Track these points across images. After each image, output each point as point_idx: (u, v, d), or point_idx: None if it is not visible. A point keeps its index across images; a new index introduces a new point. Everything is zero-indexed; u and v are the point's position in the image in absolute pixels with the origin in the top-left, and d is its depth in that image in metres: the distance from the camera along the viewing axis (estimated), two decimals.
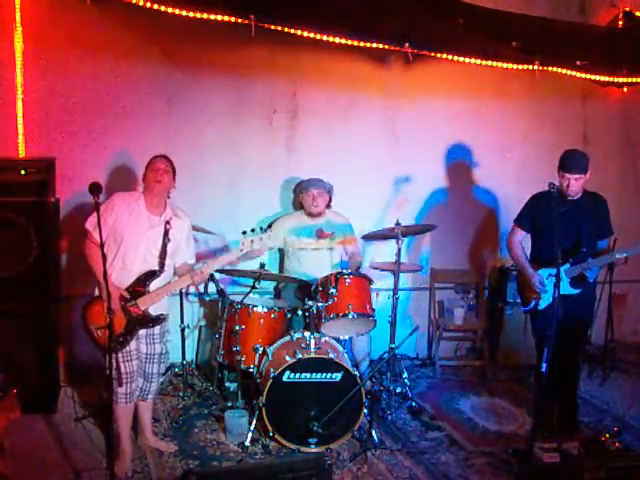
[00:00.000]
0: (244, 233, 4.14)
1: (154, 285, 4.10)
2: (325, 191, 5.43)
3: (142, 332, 4.13)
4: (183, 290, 5.30)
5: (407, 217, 5.91)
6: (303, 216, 5.51)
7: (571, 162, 4.43)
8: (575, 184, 4.43)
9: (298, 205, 5.68)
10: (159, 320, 4.14)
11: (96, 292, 4.11)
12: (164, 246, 4.10)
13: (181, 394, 5.21)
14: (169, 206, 4.20)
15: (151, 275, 4.08)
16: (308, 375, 4.43)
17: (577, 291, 4.53)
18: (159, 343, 4.24)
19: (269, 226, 4.29)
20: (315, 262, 5.40)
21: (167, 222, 4.12)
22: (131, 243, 4.05)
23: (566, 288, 4.48)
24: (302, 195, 5.47)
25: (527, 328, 5.18)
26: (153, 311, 4.11)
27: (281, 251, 5.75)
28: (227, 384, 5.25)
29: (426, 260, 6.26)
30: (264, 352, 4.76)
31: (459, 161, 6.23)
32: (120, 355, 4.02)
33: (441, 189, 6.23)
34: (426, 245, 6.25)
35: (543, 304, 4.59)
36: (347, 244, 5.56)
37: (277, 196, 5.89)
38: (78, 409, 4.83)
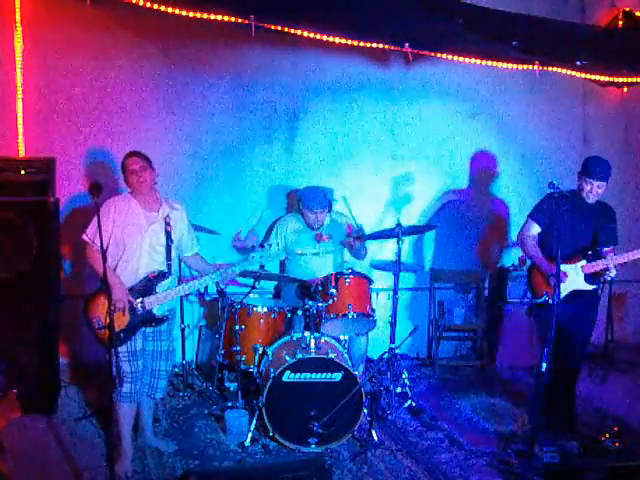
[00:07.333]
0: (252, 247, 4.48)
1: (162, 286, 4.10)
2: (327, 209, 5.37)
3: (149, 329, 4.12)
4: None
5: (409, 217, 5.91)
6: (302, 220, 5.45)
7: (598, 169, 4.43)
8: (597, 191, 4.46)
9: (296, 208, 5.59)
10: (162, 320, 4.13)
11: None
12: (168, 247, 4.10)
13: (181, 394, 5.22)
14: (164, 201, 4.18)
15: (161, 277, 4.08)
16: (308, 375, 4.43)
17: (592, 287, 4.55)
18: (166, 340, 4.24)
19: (266, 242, 4.68)
20: (316, 266, 5.37)
21: (167, 223, 4.10)
22: (134, 243, 4.03)
23: (581, 283, 4.52)
24: (304, 210, 5.35)
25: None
26: (160, 309, 4.12)
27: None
28: (227, 384, 5.24)
29: (431, 260, 6.27)
30: (264, 352, 4.76)
31: (459, 161, 6.24)
32: (126, 354, 4.02)
33: (442, 189, 6.23)
34: (430, 245, 6.26)
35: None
36: (347, 243, 5.50)
37: (277, 197, 5.89)
38: (79, 409, 4.83)
